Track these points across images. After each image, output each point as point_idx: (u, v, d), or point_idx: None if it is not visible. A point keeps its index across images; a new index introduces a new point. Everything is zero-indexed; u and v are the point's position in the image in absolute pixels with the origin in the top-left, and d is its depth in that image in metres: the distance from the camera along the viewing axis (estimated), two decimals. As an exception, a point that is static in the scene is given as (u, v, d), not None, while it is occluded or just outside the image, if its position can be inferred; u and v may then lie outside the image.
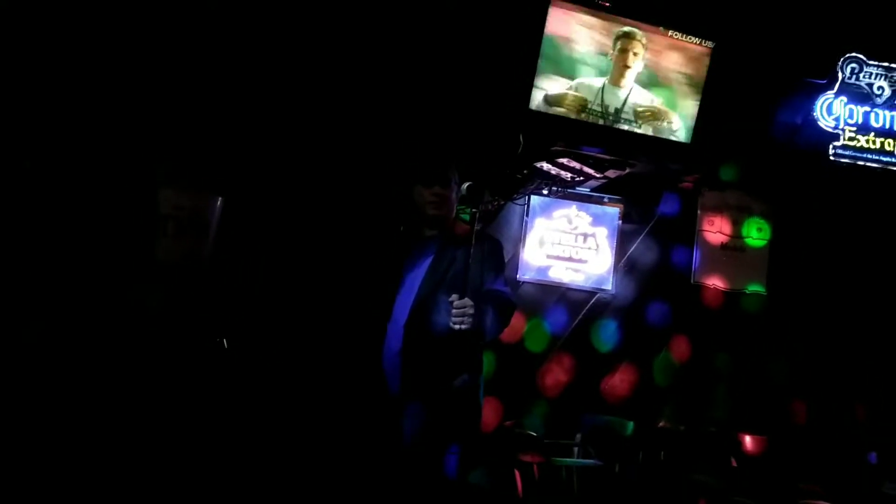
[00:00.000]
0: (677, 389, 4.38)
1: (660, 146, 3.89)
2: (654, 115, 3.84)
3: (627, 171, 4.11)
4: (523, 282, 4.32)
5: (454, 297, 2.24)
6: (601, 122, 3.80)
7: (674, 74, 3.84)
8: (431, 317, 2.27)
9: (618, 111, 3.82)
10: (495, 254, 2.44)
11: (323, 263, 3.55)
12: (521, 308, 3.85)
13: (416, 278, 2.39)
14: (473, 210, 2.21)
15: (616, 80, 3.78)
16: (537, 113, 3.70)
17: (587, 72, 3.74)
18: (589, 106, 3.75)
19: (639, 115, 3.82)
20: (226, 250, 3.31)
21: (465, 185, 2.29)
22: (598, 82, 3.77)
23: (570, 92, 3.72)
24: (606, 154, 3.94)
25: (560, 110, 3.72)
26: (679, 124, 3.91)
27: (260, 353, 3.27)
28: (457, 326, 2.18)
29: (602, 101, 3.77)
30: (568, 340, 4.36)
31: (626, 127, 3.84)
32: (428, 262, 2.39)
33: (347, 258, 3.31)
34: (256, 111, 3.31)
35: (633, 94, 3.81)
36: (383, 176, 3.61)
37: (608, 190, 4.43)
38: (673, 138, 3.90)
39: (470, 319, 2.20)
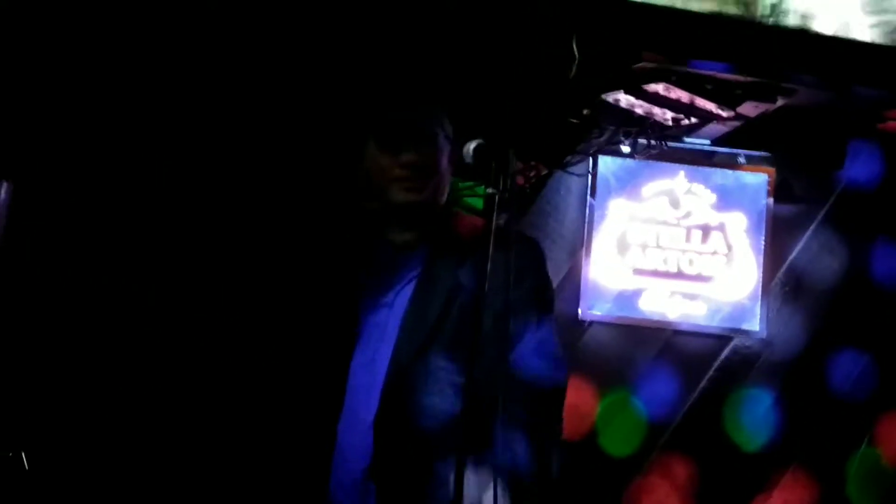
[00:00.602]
0: None
1: (839, 52, 3.83)
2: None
3: (780, 103, 3.92)
4: (590, 322, 4.31)
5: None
6: (734, 9, 3.75)
7: None
8: (421, 404, 2.34)
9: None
10: (533, 274, 2.47)
11: (198, 305, 3.69)
12: (588, 373, 4.07)
13: (385, 330, 2.45)
14: (490, 190, 2.18)
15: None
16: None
17: None
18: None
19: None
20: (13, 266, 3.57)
21: (472, 144, 2.26)
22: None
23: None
24: (740, 73, 3.79)
25: (652, -7, 3.68)
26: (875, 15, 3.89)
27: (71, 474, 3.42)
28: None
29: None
30: (680, 432, 4.30)
31: (776, 19, 3.80)
32: (406, 294, 2.45)
33: (244, 295, 3.56)
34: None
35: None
36: (307, 137, 3.75)
37: (745, 142, 4.36)
38: (863, 37, 3.86)
39: None
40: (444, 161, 2.47)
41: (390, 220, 2.49)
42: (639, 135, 4.16)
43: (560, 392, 2.46)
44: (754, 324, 4.29)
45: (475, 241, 2.32)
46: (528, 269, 2.42)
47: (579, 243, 4.25)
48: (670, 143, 4.23)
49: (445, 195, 2.51)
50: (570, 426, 4.01)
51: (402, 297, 2.45)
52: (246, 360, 3.41)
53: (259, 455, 2.67)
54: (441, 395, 2.33)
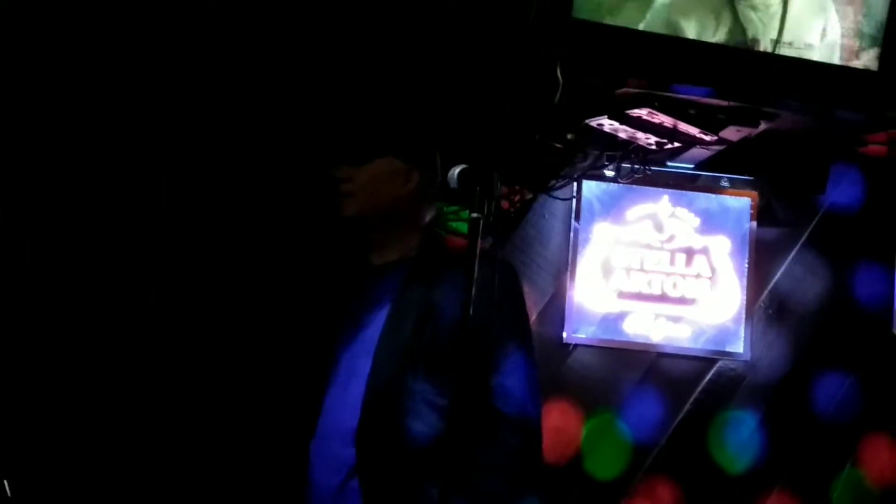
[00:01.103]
0: None
1: (822, 77, 3.77)
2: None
3: (762, 127, 3.89)
4: (575, 345, 4.25)
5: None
6: (713, 37, 3.69)
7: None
8: (401, 425, 2.38)
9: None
10: (510, 302, 2.50)
11: (176, 324, 3.66)
12: (573, 396, 4.09)
13: (361, 349, 2.49)
14: (475, 214, 2.23)
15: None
16: (588, 25, 3.57)
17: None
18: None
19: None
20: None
21: (456, 168, 2.32)
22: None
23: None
24: (722, 97, 3.75)
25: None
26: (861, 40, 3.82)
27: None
28: None
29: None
30: (665, 454, 4.24)
31: (762, 47, 3.77)
32: (383, 316, 2.50)
33: (222, 317, 3.54)
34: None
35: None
36: (296, 155, 3.74)
37: (728, 165, 4.29)
38: (850, 63, 3.79)
39: None
40: (385, 181, 2.57)
41: (363, 243, 2.60)
42: (622, 159, 4.11)
43: (532, 433, 2.46)
44: (738, 346, 4.26)
45: (451, 262, 2.43)
46: (506, 297, 2.46)
47: (563, 267, 4.23)
48: (654, 168, 4.18)
49: (408, 221, 2.58)
50: (555, 449, 4.11)
51: (378, 318, 2.50)
52: (229, 370, 3.44)
53: (235, 462, 2.68)
54: (420, 416, 2.38)
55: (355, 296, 2.61)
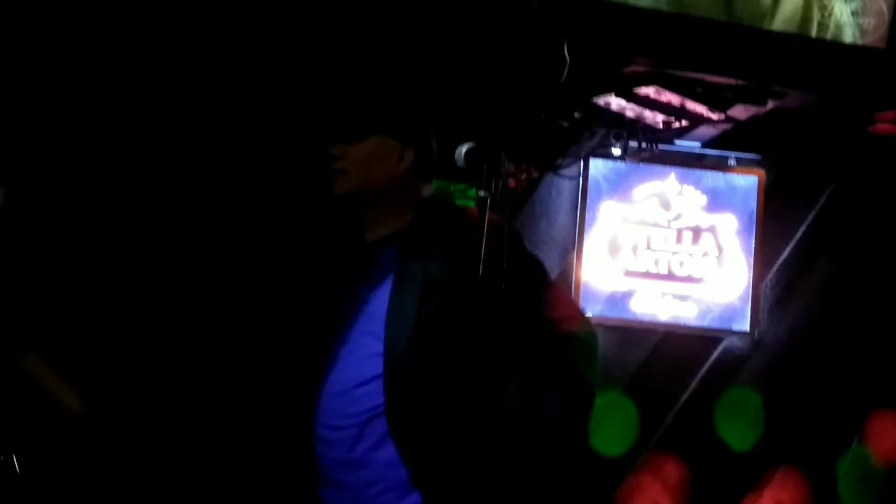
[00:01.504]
0: None
1: (831, 56, 3.82)
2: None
3: (770, 105, 3.93)
4: None
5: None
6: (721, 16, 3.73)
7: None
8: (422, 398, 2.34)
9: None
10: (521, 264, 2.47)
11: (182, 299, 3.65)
12: None
13: (366, 328, 2.45)
14: (482, 193, 2.20)
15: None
16: (594, 3, 3.64)
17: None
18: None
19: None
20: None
21: (463, 147, 2.29)
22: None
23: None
24: (728, 75, 3.78)
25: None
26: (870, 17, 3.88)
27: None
28: None
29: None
30: (671, 432, 4.29)
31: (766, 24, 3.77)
32: (384, 292, 2.46)
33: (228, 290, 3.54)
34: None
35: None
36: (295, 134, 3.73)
37: (736, 144, 4.36)
38: (855, 40, 3.83)
39: None
40: (379, 159, 2.52)
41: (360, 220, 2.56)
42: (630, 137, 4.17)
43: (586, 390, 2.48)
44: (744, 324, 4.27)
45: (447, 231, 2.43)
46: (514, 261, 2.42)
47: (571, 246, 4.23)
48: (661, 146, 4.24)
49: (398, 196, 2.53)
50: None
51: (379, 294, 2.46)
52: (227, 352, 3.43)
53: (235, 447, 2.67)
54: (435, 391, 2.35)
55: (352, 273, 2.59)
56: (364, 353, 2.44)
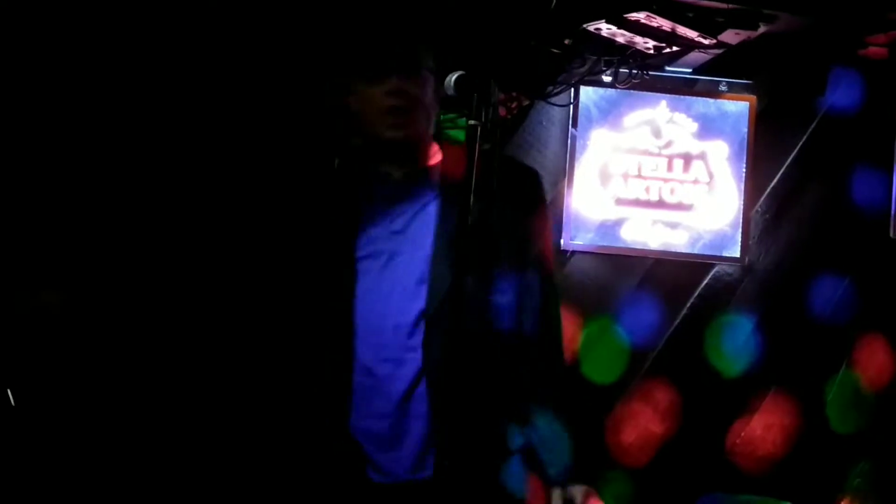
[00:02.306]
0: (873, 438, 4.34)
1: None
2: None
3: (762, 30, 3.84)
4: (573, 252, 4.29)
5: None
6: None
7: None
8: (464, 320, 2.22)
9: None
10: (530, 197, 2.58)
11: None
12: (571, 302, 4.02)
13: (399, 256, 2.46)
14: (472, 121, 2.16)
15: None
16: None
17: None
18: None
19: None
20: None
21: (453, 75, 2.24)
22: None
23: None
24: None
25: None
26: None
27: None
28: None
29: None
30: (662, 359, 4.31)
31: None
32: (423, 221, 2.48)
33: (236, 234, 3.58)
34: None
35: None
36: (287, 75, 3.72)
37: (727, 69, 4.30)
38: None
39: None
40: (429, 94, 2.48)
41: (381, 155, 2.51)
42: (620, 64, 4.09)
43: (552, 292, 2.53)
44: (735, 251, 4.29)
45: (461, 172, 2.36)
46: (527, 197, 2.52)
47: (561, 174, 4.23)
48: (652, 73, 4.18)
49: (432, 130, 2.52)
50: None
51: (417, 223, 2.47)
52: (241, 300, 3.42)
53: (268, 398, 2.67)
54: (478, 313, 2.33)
55: (380, 206, 2.54)
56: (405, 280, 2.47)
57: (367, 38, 2.55)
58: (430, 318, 2.41)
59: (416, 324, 2.44)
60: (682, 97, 4.31)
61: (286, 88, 3.74)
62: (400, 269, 2.48)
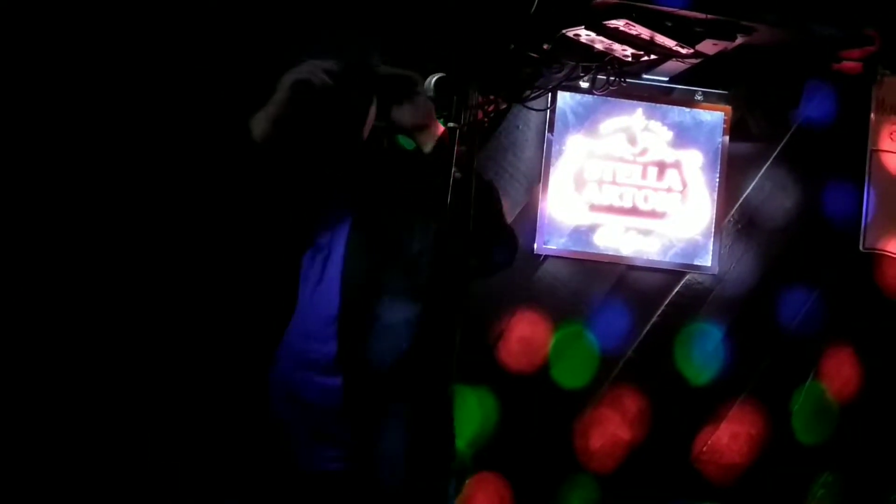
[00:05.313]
0: (838, 449, 4.36)
1: None
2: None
3: (739, 41, 3.88)
4: (545, 256, 4.28)
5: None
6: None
7: None
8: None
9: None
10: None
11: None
12: (542, 306, 4.14)
13: (327, 267, 2.53)
14: (451, 124, 2.23)
15: None
16: None
17: None
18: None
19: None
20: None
21: (433, 77, 2.35)
22: None
23: None
24: (699, 10, 3.72)
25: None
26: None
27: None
28: None
29: None
30: (631, 365, 4.32)
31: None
32: (342, 235, 2.52)
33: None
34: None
35: None
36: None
37: (703, 79, 4.35)
38: None
39: None
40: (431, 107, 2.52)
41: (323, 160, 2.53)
42: (598, 71, 4.11)
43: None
44: (707, 260, 4.30)
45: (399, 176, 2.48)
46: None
47: (536, 178, 4.23)
48: (629, 80, 4.18)
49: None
50: (523, 358, 4.19)
51: (338, 238, 2.52)
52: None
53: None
54: (392, 307, 2.43)
55: (316, 215, 2.58)
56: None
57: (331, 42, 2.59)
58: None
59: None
60: (658, 105, 4.30)
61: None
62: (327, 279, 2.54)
